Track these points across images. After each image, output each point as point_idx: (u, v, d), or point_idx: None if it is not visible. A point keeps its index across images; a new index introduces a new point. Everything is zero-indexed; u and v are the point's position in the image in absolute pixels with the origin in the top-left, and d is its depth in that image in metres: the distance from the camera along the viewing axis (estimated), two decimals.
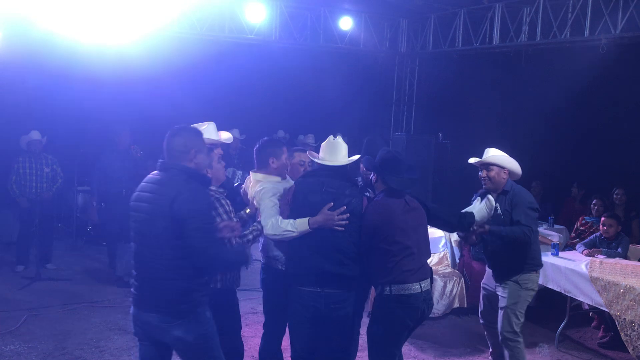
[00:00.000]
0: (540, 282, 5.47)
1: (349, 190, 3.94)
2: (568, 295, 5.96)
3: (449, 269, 7.11)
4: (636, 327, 5.15)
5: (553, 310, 6.78)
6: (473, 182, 9.50)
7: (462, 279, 6.92)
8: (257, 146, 4.29)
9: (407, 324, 3.99)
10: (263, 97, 10.79)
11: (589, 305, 5.95)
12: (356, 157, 4.13)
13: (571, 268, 5.85)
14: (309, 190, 3.92)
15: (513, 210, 4.74)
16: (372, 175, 4.10)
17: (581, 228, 7.55)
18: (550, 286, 6.10)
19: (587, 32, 8.05)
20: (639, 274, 5.52)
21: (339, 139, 4.08)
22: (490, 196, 4.71)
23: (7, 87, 8.68)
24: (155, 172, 3.51)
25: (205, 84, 9.89)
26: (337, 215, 3.81)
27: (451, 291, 6.84)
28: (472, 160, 4.94)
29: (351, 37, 10.81)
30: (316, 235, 3.83)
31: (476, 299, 7.01)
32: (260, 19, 9.90)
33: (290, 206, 3.94)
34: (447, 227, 5.29)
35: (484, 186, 4.89)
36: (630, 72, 7.87)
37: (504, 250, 4.76)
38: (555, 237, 7.50)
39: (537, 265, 4.91)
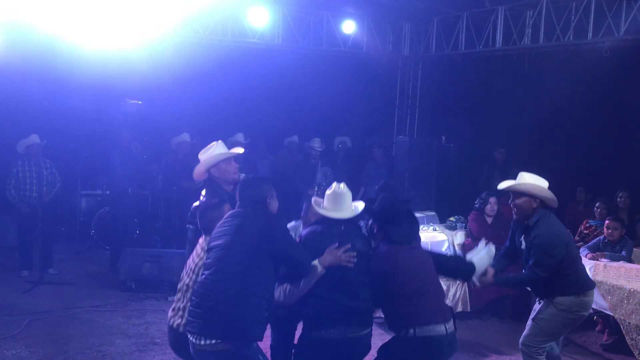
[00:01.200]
0: None
1: (357, 233, 4.07)
2: None
3: None
4: None
5: None
6: (476, 186, 9.57)
7: (465, 283, 6.88)
8: None
9: None
10: (266, 101, 10.79)
11: (593, 309, 5.89)
12: (361, 206, 4.13)
13: None
14: (318, 237, 3.96)
15: (531, 249, 4.47)
16: (369, 221, 4.15)
17: (585, 232, 7.51)
18: None
19: (590, 34, 8.01)
20: None
21: (344, 188, 4.10)
22: (491, 246, 4.52)
23: (8, 91, 8.71)
24: None
25: (209, 88, 9.89)
26: (344, 253, 3.84)
27: (454, 295, 6.81)
28: (502, 185, 4.65)
29: (354, 40, 10.78)
30: (333, 274, 3.84)
31: (479, 302, 7.00)
32: (263, 22, 9.90)
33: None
34: (450, 275, 5.03)
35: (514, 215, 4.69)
36: (635, 74, 7.82)
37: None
38: None
39: (578, 290, 4.52)
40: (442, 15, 10.42)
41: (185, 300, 3.84)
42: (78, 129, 9.41)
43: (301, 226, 4.50)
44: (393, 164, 9.86)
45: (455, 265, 4.41)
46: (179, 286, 4.00)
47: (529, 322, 4.67)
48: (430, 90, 11.44)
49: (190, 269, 3.91)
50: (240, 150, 4.57)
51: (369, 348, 3.94)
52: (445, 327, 3.78)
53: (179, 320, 3.83)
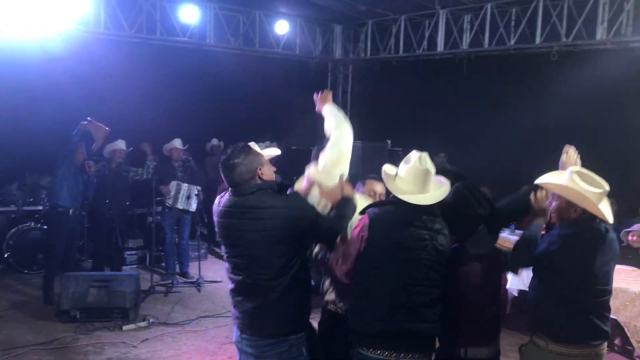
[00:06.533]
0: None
1: (436, 224, 3.16)
2: None
3: None
4: None
5: None
6: None
7: None
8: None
9: None
10: (199, 103, 10.06)
11: None
12: (445, 190, 3.21)
13: None
14: (387, 224, 3.11)
15: None
16: None
17: None
18: None
19: (538, 39, 8.20)
20: None
21: (427, 160, 3.14)
22: None
23: None
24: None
25: (138, 90, 9.02)
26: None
27: None
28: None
29: (287, 41, 10.42)
30: (392, 281, 3.08)
31: None
32: (193, 20, 9.25)
33: (367, 244, 3.12)
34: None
35: None
36: (577, 79, 8.08)
37: None
38: None
39: None
40: (377, 17, 10.29)
41: None
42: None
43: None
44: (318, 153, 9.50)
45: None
46: None
47: None
48: (364, 94, 11.28)
49: None
50: (276, 151, 3.97)
51: None
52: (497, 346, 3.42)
53: None
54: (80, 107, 8.09)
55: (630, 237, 6.53)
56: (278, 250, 3.12)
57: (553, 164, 3.63)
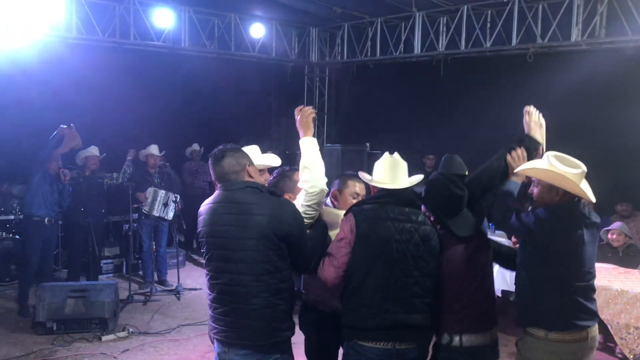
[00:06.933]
0: None
1: (419, 217, 3.28)
2: None
3: None
4: (632, 329, 5.21)
5: None
6: None
7: None
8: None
9: None
10: (174, 108, 9.89)
11: None
12: (419, 177, 3.40)
13: None
14: (373, 221, 3.18)
15: None
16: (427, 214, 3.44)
17: None
18: None
19: (514, 41, 8.26)
20: (629, 277, 5.63)
21: (397, 155, 3.41)
22: None
23: None
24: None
25: (112, 94, 8.85)
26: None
27: None
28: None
29: (263, 45, 10.33)
30: (384, 276, 3.13)
31: None
32: (167, 24, 9.12)
33: (355, 242, 3.15)
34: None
35: None
36: (553, 79, 8.17)
37: None
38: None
39: None
40: (354, 20, 10.27)
41: None
42: None
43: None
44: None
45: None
46: None
47: None
48: (341, 97, 11.26)
49: None
50: (277, 161, 3.89)
51: None
52: (492, 333, 3.37)
53: None
54: (51, 114, 7.93)
55: (610, 236, 6.60)
56: (261, 252, 3.01)
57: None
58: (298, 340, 3.77)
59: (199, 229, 3.23)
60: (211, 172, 3.21)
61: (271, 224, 3.00)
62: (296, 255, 3.13)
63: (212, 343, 3.29)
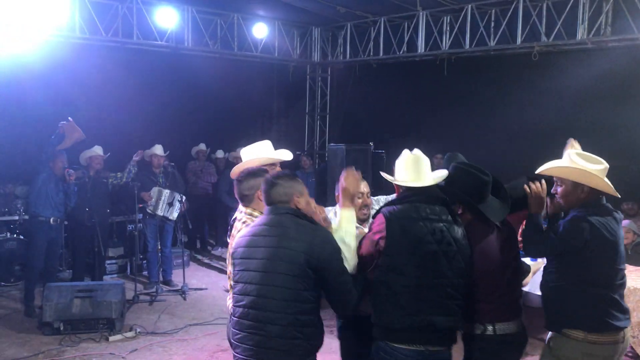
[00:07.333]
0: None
1: (450, 215, 3.21)
2: None
3: None
4: None
5: None
6: None
7: None
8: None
9: None
10: (177, 108, 9.86)
11: None
12: (443, 173, 3.35)
13: None
14: (405, 221, 3.10)
15: None
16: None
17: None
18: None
19: (519, 40, 8.26)
20: None
21: (418, 152, 3.31)
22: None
23: None
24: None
25: (115, 94, 8.82)
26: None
27: None
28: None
29: (265, 45, 10.32)
30: (416, 276, 3.06)
31: None
32: (170, 24, 9.10)
33: (386, 245, 3.08)
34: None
35: None
36: (559, 78, 8.17)
37: None
38: None
39: None
40: (356, 20, 10.26)
41: None
42: None
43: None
44: (326, 172, 9.44)
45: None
46: None
47: None
48: (344, 97, 11.24)
49: None
50: (289, 156, 3.89)
51: None
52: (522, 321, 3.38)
53: None
54: (55, 114, 7.82)
55: None
56: (289, 277, 2.95)
57: (535, 162, 3.62)
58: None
59: (235, 248, 3.18)
60: (262, 196, 3.21)
61: (305, 250, 2.95)
62: (333, 288, 3.02)
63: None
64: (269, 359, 2.99)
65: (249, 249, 3.09)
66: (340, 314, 3.10)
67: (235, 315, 3.10)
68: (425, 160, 3.29)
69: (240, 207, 3.57)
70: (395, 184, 3.32)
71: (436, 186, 3.31)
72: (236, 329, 3.10)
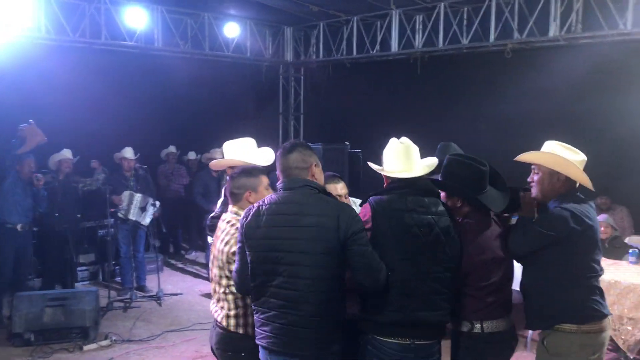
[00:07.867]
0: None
1: (439, 207, 3.11)
2: None
3: None
4: (625, 320, 5.24)
5: None
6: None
7: None
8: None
9: None
10: (148, 109, 9.63)
11: None
12: (434, 161, 3.23)
13: None
14: (390, 213, 3.02)
15: None
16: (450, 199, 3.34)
17: None
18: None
19: (492, 37, 8.29)
20: (618, 269, 5.65)
21: (407, 140, 3.21)
22: None
23: None
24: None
25: (84, 96, 8.57)
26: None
27: None
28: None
29: (237, 44, 10.19)
30: (402, 271, 2.98)
31: None
32: (139, 24, 8.90)
33: (372, 236, 2.98)
34: None
35: None
36: (532, 75, 8.22)
37: None
38: None
39: None
40: (328, 19, 10.19)
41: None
42: None
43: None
44: None
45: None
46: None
47: None
48: (317, 97, 11.16)
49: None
50: (269, 160, 3.81)
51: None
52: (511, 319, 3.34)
53: None
54: (21, 116, 7.57)
55: None
56: (318, 255, 2.84)
57: (509, 161, 3.61)
58: None
59: (249, 234, 2.97)
60: (277, 164, 3.05)
61: (333, 226, 2.83)
62: (363, 263, 2.88)
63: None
64: (303, 337, 2.89)
65: (271, 229, 2.91)
66: (371, 290, 2.95)
67: (262, 296, 2.95)
68: (415, 149, 3.20)
69: (218, 206, 3.48)
70: (384, 175, 3.22)
71: (432, 180, 3.23)
72: (263, 308, 2.96)
